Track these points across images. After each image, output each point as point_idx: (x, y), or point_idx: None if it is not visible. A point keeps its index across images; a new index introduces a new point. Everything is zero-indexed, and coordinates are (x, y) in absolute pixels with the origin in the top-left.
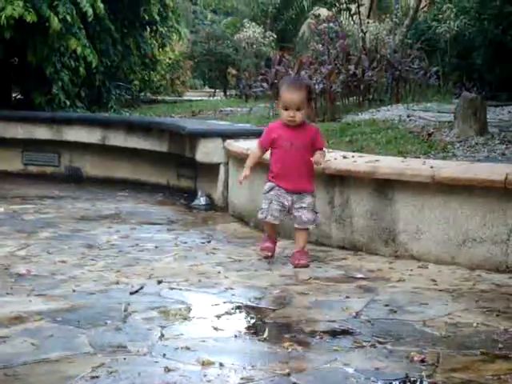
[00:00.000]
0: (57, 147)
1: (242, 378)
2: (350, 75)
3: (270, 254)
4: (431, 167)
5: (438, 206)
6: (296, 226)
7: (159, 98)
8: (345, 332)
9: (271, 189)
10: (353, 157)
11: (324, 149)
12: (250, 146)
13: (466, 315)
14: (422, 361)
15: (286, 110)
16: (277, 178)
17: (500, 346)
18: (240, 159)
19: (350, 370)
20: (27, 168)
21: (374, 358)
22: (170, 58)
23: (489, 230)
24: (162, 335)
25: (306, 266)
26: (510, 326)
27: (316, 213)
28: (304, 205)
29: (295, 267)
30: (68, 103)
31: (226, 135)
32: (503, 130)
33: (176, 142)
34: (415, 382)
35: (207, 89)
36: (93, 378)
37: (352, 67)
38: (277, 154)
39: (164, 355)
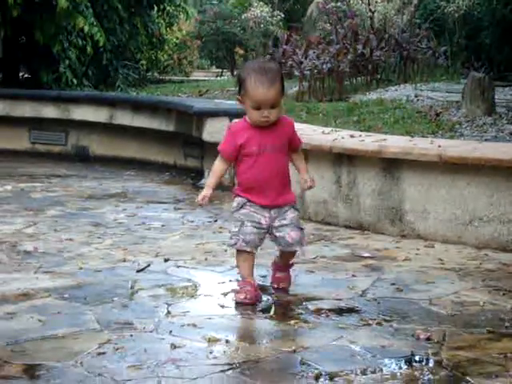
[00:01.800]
0: (64, 126)
1: (247, 355)
2: (358, 55)
3: (249, 297)
4: (439, 146)
5: (445, 186)
6: (280, 248)
7: (166, 77)
8: (351, 310)
9: (241, 206)
10: (360, 136)
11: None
12: None
13: (472, 294)
14: (428, 339)
15: (258, 109)
16: (248, 192)
17: (506, 324)
18: None
19: (357, 348)
20: (34, 146)
21: (380, 336)
22: (177, 38)
23: (496, 209)
24: (169, 312)
25: (286, 291)
26: None
27: (301, 229)
28: (286, 221)
29: (274, 288)
30: (75, 82)
31: (233, 114)
32: (511, 109)
33: (183, 122)
34: (421, 359)
35: (214, 69)
36: (99, 354)
37: (360, 47)
38: (246, 162)
39: (170, 332)
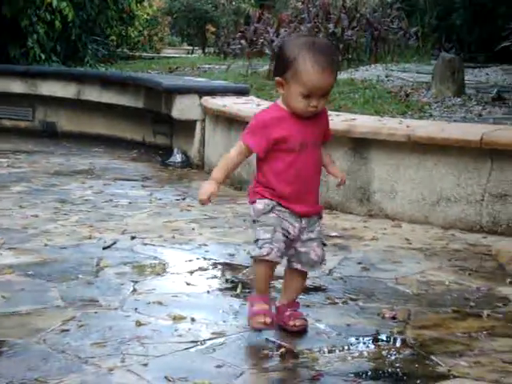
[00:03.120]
0: (31, 101)
1: (212, 333)
2: (329, 34)
3: (269, 320)
4: (407, 126)
5: (413, 166)
6: (298, 267)
7: (137, 54)
8: (317, 289)
9: (271, 209)
10: (329, 115)
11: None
12: (226, 102)
13: (438, 273)
14: (393, 318)
15: (308, 97)
16: (280, 195)
17: (471, 304)
18: (217, 116)
19: (322, 326)
20: (1, 122)
21: (346, 315)
22: (147, 14)
23: (463, 189)
24: (134, 290)
25: (305, 328)
26: (481, 285)
27: (325, 245)
28: (313, 235)
29: (291, 331)
30: (43, 57)
31: (203, 92)
32: (480, 91)
33: (152, 98)
34: (386, 338)
35: (186, 46)
36: (63, 331)
37: (331, 26)
38: (281, 160)
39: (135, 310)
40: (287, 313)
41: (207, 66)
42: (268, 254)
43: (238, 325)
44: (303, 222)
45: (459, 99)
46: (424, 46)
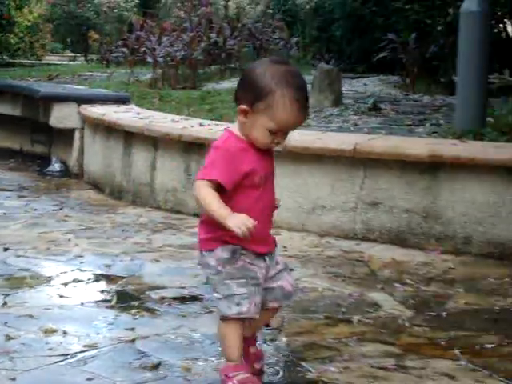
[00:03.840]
0: None
1: (84, 346)
2: (211, 43)
3: None
4: None
5: (290, 174)
6: (275, 305)
7: (17, 60)
8: (194, 298)
9: (238, 256)
10: (209, 125)
11: None
12: (106, 111)
13: (312, 280)
14: (267, 325)
15: (274, 133)
16: (242, 238)
17: (343, 310)
18: (96, 125)
19: (196, 335)
20: None
21: None
22: (28, 20)
23: (338, 197)
24: (5, 303)
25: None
26: (354, 291)
27: (291, 269)
28: (280, 266)
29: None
30: None
31: (81, 100)
32: (357, 101)
33: (30, 106)
34: (259, 345)
35: (69, 53)
36: None
37: (214, 35)
38: (248, 196)
39: (5, 323)
40: (251, 349)
41: (89, 73)
42: (248, 312)
43: (111, 337)
44: (267, 260)
45: (337, 109)
46: (305, 57)
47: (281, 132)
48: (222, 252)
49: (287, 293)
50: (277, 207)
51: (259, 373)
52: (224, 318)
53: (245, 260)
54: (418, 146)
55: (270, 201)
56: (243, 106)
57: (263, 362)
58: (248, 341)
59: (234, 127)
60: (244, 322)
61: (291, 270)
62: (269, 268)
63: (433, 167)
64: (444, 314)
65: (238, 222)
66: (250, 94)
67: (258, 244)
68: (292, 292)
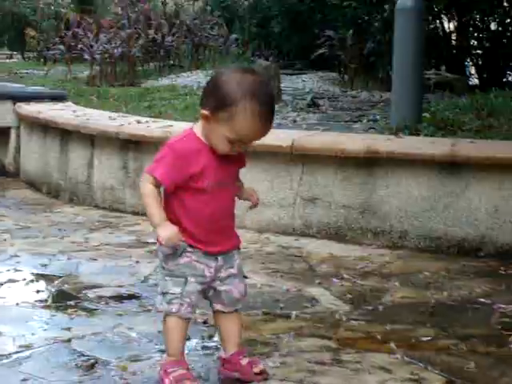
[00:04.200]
0: None
1: (19, 346)
2: (149, 40)
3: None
4: None
5: None
6: (219, 307)
7: None
8: (131, 296)
9: (181, 252)
10: (147, 122)
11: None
12: (42, 109)
13: (251, 276)
14: (205, 322)
15: (233, 142)
16: (190, 236)
17: (281, 305)
18: (32, 123)
19: (133, 334)
20: None
21: (158, 322)
22: None
23: (276, 193)
24: None
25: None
26: (292, 286)
27: (245, 278)
28: (234, 271)
29: (255, 380)
30: None
31: (17, 98)
32: (296, 97)
33: None
34: (197, 343)
35: (6, 51)
36: None
37: (152, 32)
38: (195, 199)
39: None
40: (243, 361)
41: (25, 71)
42: (178, 311)
43: (46, 337)
44: (219, 259)
45: (275, 106)
46: (245, 53)
47: (240, 142)
48: (165, 248)
49: (234, 300)
50: (256, 205)
51: (262, 374)
52: (166, 314)
53: (191, 257)
54: (355, 141)
55: (222, 207)
56: (205, 112)
57: (261, 364)
58: (236, 355)
59: (197, 127)
60: (186, 320)
61: (245, 277)
62: (221, 268)
63: (369, 163)
64: (380, 307)
65: (166, 235)
66: (213, 101)
67: (206, 244)
68: (239, 299)
